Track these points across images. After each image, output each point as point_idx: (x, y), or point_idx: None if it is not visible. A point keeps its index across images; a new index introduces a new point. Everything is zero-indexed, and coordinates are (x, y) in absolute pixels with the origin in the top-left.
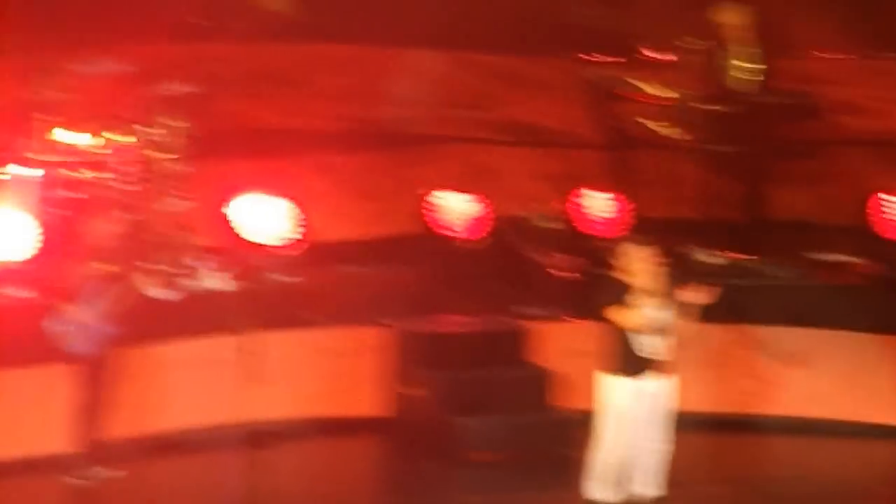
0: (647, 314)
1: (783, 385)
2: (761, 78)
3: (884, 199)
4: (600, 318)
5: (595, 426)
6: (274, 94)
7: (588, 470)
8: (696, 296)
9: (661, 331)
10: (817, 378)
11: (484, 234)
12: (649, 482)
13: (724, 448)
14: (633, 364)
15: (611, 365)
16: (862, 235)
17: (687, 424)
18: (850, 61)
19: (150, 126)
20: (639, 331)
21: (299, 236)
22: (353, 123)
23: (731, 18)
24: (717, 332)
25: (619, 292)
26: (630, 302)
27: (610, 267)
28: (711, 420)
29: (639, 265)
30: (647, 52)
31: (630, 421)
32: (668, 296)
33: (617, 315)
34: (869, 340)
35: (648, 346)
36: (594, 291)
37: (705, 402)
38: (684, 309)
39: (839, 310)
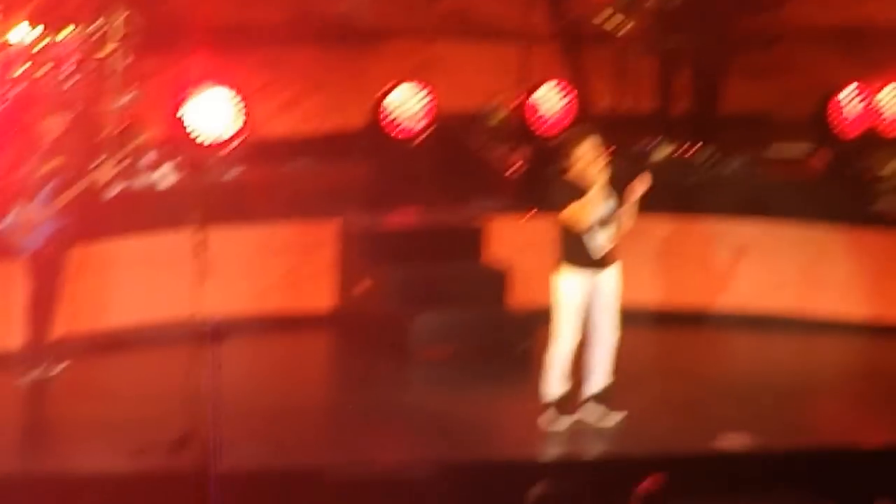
0: (594, 209)
1: (737, 278)
2: None
3: (842, 93)
4: (550, 215)
5: (551, 321)
6: None
7: (545, 366)
8: (639, 186)
9: (608, 223)
10: (771, 271)
11: (435, 129)
12: (600, 374)
13: (678, 343)
14: (582, 257)
15: (561, 259)
16: (818, 128)
17: (640, 319)
18: None
19: (95, 20)
20: (588, 227)
21: (248, 131)
22: (300, 16)
23: None
24: (671, 225)
25: (568, 188)
26: (579, 198)
27: (559, 162)
28: (664, 314)
29: (588, 159)
30: None
31: (581, 314)
32: (615, 188)
33: (566, 215)
34: (824, 233)
35: (597, 239)
36: (544, 189)
37: (658, 296)
38: (630, 200)
39: (794, 202)
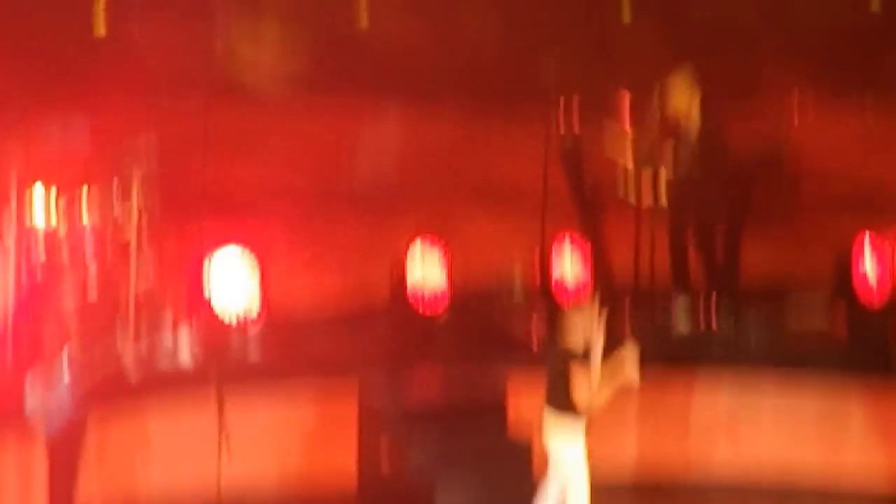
0: (592, 385)
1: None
2: (723, 145)
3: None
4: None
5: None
6: (237, 155)
7: None
8: (631, 355)
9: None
10: (790, 439)
11: (453, 303)
12: None
13: None
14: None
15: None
16: (837, 300)
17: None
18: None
19: (110, 180)
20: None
21: (267, 308)
22: (319, 185)
23: (680, 98)
24: (681, 393)
25: (565, 360)
26: (578, 374)
27: (563, 335)
28: (669, 484)
29: (595, 331)
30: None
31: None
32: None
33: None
34: (843, 399)
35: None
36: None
37: (661, 466)
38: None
39: (815, 372)
